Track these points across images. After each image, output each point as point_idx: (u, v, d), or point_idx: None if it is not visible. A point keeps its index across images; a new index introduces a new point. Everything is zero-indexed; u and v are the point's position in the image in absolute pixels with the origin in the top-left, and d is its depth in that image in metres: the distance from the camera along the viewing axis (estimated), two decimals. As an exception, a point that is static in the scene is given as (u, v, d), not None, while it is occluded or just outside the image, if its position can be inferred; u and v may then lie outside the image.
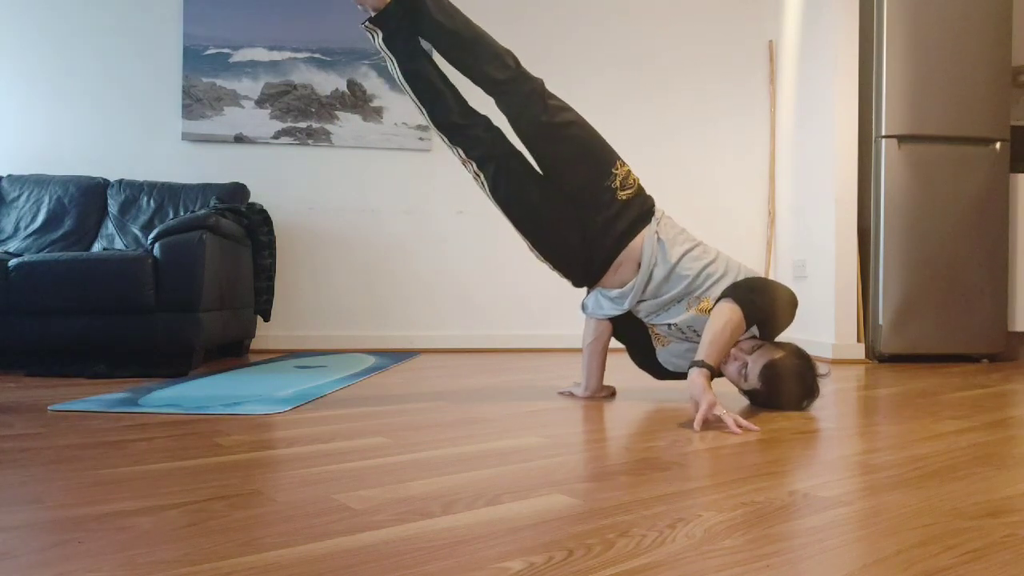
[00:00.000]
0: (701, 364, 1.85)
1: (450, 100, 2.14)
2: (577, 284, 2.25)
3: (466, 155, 2.15)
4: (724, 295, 1.97)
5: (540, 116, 2.10)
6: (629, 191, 2.13)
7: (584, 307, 2.27)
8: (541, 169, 2.18)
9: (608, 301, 2.18)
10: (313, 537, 0.94)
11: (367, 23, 2.11)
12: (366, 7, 2.09)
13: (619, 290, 2.15)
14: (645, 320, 2.17)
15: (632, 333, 2.23)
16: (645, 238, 2.11)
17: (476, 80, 2.13)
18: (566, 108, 2.15)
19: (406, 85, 2.14)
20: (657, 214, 2.16)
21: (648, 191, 2.24)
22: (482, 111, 2.18)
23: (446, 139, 2.16)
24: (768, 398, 1.99)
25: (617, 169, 2.13)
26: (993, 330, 3.62)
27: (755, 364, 1.94)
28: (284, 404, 2.04)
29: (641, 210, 2.14)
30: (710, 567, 0.85)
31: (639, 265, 2.11)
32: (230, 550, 0.89)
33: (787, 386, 1.96)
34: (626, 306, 2.14)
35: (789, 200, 4.21)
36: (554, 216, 2.15)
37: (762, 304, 1.95)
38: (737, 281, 2.03)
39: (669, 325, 2.11)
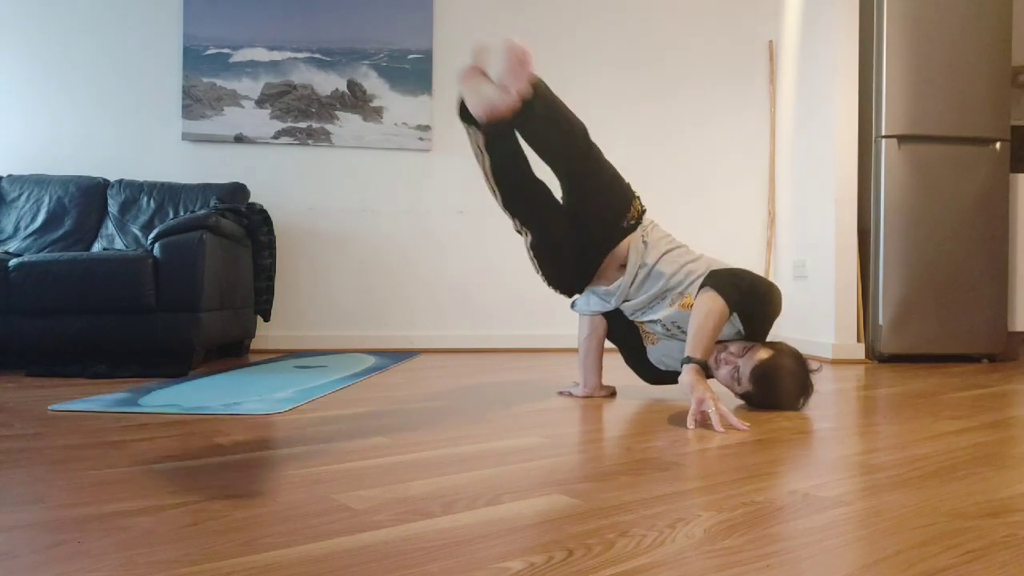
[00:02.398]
0: (689, 360, 1.86)
1: (530, 196, 2.08)
2: (568, 295, 2.30)
3: (520, 224, 2.11)
4: (703, 285, 1.97)
5: (580, 165, 2.05)
6: (633, 220, 2.14)
7: (574, 305, 2.31)
8: (565, 196, 2.15)
9: (596, 298, 2.22)
10: (313, 537, 0.94)
11: (470, 125, 1.93)
12: (493, 118, 1.80)
13: (606, 288, 2.18)
14: (631, 318, 2.19)
15: (623, 333, 2.26)
16: (631, 241, 2.13)
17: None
18: (601, 156, 2.09)
19: (493, 183, 2.03)
20: (645, 221, 2.18)
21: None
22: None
23: (507, 214, 2.10)
24: (763, 398, 1.99)
25: (632, 207, 2.13)
26: (993, 330, 3.61)
27: (746, 366, 1.94)
28: (284, 404, 2.04)
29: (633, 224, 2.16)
30: (710, 567, 0.85)
31: (623, 266, 2.14)
32: (230, 550, 0.89)
33: (781, 385, 1.95)
34: (613, 303, 2.17)
35: (789, 200, 4.21)
36: (566, 249, 2.15)
37: (743, 287, 1.94)
38: (715, 269, 2.03)
39: (654, 321, 2.13)
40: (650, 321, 2.14)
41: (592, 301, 2.23)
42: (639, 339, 2.22)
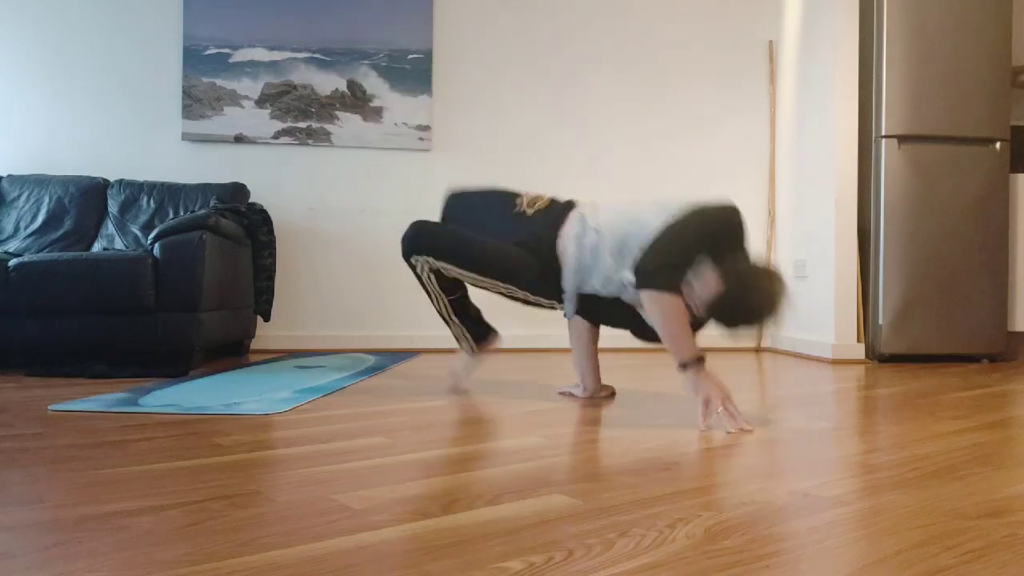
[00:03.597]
0: (683, 366, 1.82)
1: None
2: (560, 299, 2.21)
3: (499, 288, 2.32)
4: (637, 286, 1.86)
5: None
6: (540, 205, 2.27)
7: (566, 313, 2.25)
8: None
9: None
10: (313, 537, 0.94)
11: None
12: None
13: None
14: (605, 294, 2.10)
15: (617, 315, 2.16)
16: (569, 224, 2.16)
17: None
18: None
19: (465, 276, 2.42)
20: (580, 206, 2.20)
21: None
22: None
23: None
24: (727, 327, 1.87)
25: (519, 199, 2.31)
26: (993, 330, 3.61)
27: (700, 299, 1.85)
28: (284, 404, 2.04)
29: (558, 211, 2.22)
30: (710, 567, 0.85)
31: None
32: (230, 550, 0.89)
33: (738, 318, 1.83)
34: (568, 288, 2.14)
35: (789, 200, 4.21)
36: (498, 263, 2.22)
37: (673, 259, 1.82)
38: (639, 263, 1.87)
39: (626, 285, 2.03)
40: (625, 285, 2.04)
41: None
42: (632, 313, 2.12)
